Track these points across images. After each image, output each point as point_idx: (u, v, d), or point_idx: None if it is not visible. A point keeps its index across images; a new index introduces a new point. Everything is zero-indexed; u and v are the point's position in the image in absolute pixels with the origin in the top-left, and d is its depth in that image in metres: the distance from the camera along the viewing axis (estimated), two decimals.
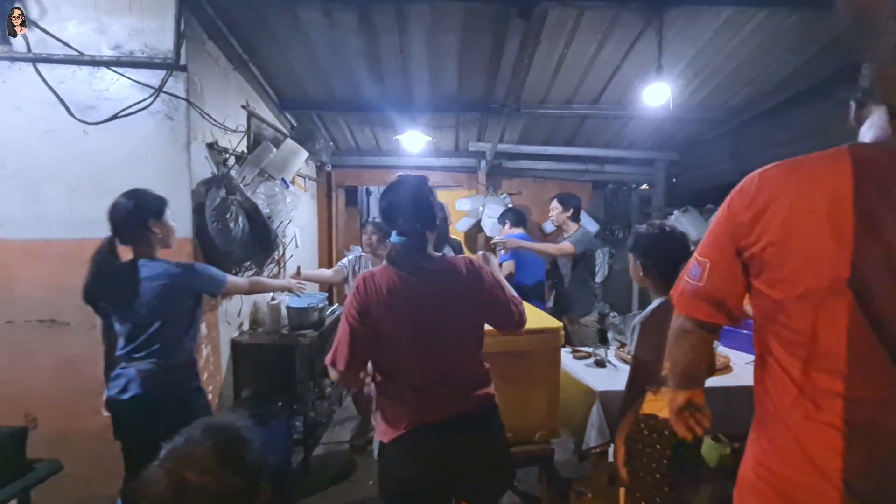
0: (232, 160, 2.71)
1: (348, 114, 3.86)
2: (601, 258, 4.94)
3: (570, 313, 3.34)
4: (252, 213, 2.59)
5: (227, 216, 2.39)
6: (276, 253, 3.17)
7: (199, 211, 2.33)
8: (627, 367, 1.63)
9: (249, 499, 0.83)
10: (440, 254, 1.43)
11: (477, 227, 4.83)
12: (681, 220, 4.13)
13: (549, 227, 4.61)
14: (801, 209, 0.76)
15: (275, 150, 2.98)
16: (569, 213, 3.36)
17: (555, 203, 3.42)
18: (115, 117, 2.24)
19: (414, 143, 4.20)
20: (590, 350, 2.63)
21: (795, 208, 0.77)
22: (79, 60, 2.21)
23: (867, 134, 0.79)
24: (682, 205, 4.33)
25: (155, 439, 1.50)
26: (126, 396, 1.68)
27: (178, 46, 2.22)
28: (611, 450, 2.09)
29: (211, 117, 2.49)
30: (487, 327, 1.45)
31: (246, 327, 2.92)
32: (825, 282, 0.74)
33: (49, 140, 2.23)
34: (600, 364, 2.43)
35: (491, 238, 4.71)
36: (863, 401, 0.74)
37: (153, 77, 2.25)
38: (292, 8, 2.45)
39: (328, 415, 3.46)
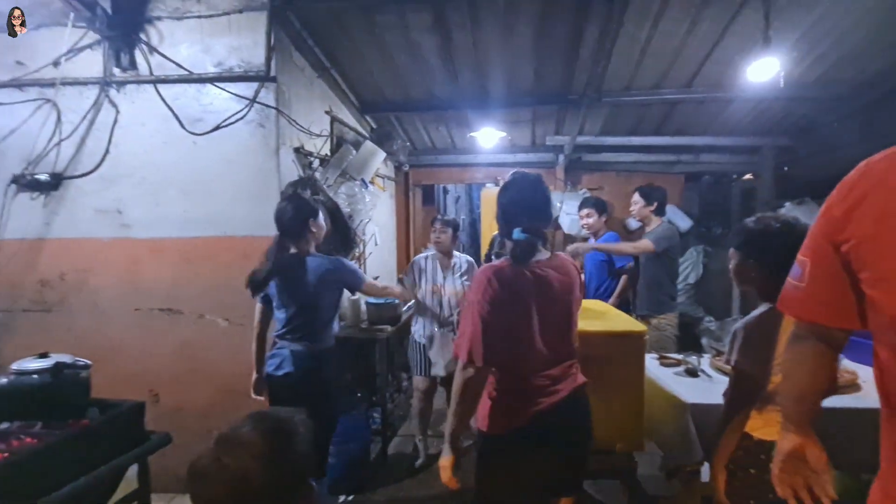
0: (316, 163, 2.89)
1: (424, 114, 3.93)
2: (694, 257, 4.52)
3: (632, 313, 3.09)
4: (334, 212, 2.73)
5: None
6: (357, 250, 3.32)
7: None
8: (724, 378, 1.45)
9: (292, 493, 0.83)
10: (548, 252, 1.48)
11: (555, 225, 4.66)
12: (795, 213, 3.61)
13: (633, 223, 4.29)
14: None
15: (354, 152, 3.12)
16: (652, 208, 3.07)
17: (636, 196, 3.15)
18: (217, 128, 2.49)
19: (489, 139, 4.16)
20: (679, 357, 2.40)
21: (892, 200, 0.65)
22: (189, 79, 2.49)
23: None
24: (797, 196, 3.79)
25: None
26: (280, 373, 1.99)
27: (268, 59, 2.41)
28: (704, 469, 1.88)
29: (297, 123, 2.67)
30: None
31: None
32: None
33: (166, 150, 2.54)
34: (692, 373, 2.21)
35: (569, 235, 4.52)
36: None
37: (248, 89, 2.47)
38: (370, 12, 2.54)
39: (405, 407, 3.55)
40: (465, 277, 2.86)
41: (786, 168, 4.31)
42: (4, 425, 1.44)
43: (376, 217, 3.84)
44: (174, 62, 2.49)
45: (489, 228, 4.74)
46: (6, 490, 1.21)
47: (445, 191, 6.91)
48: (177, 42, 2.50)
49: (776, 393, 1.29)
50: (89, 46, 2.52)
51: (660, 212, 3.12)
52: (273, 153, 2.48)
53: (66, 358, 1.52)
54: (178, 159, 2.53)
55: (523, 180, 1.50)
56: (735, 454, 1.36)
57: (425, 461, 2.85)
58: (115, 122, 2.54)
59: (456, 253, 2.93)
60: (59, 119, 2.55)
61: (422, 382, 2.87)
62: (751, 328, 1.38)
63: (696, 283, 4.65)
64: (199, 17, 2.46)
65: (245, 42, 2.45)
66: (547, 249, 1.48)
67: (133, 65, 2.51)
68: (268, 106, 2.46)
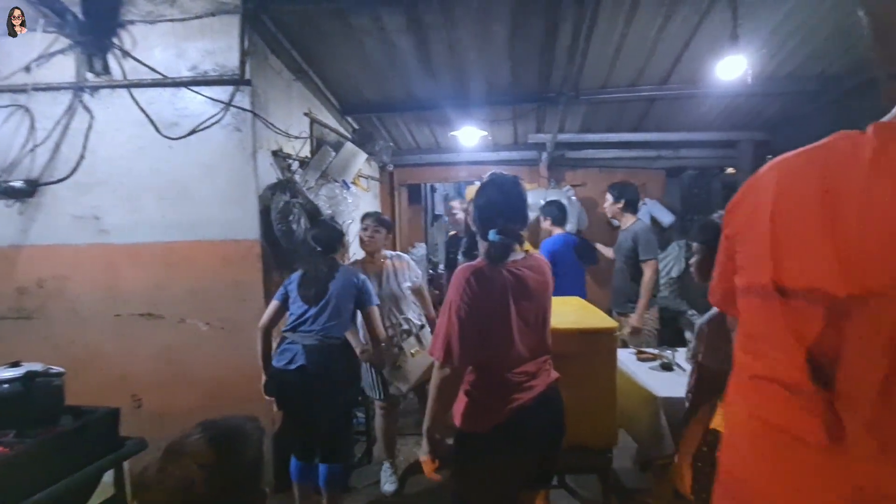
0: (296, 165, 2.89)
1: (405, 114, 3.94)
2: (676, 251, 4.58)
3: (612, 311, 3.13)
4: (314, 214, 2.74)
5: (290, 218, 2.55)
6: (340, 251, 3.33)
7: (265, 214, 2.52)
8: (689, 373, 1.48)
9: (241, 501, 0.82)
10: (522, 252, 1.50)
11: (539, 221, 4.69)
12: None
13: (616, 221, 4.34)
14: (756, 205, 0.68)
15: (335, 153, 3.13)
16: (620, 205, 3.12)
17: (608, 194, 3.21)
18: (193, 132, 2.48)
19: (470, 138, 4.18)
20: (656, 352, 2.45)
21: (758, 198, 0.68)
22: (163, 83, 2.48)
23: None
24: None
25: (310, 408, 2.04)
26: (294, 367, 2.09)
27: (242, 63, 2.41)
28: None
29: (275, 126, 2.67)
30: None
31: None
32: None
33: (142, 155, 2.53)
34: (667, 367, 2.25)
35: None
36: None
37: (223, 93, 2.46)
38: (345, 16, 2.54)
39: None
40: (403, 278, 2.63)
41: (766, 160, 4.37)
42: None
43: (359, 218, 3.84)
44: (148, 66, 2.48)
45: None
46: None
47: (433, 189, 6.92)
48: (150, 46, 2.49)
49: None
50: (61, 51, 2.50)
51: (631, 209, 3.15)
52: (250, 156, 2.48)
53: (37, 366, 1.52)
54: (155, 164, 2.53)
55: (499, 182, 1.51)
56: (699, 450, 1.39)
57: (398, 487, 2.61)
58: (90, 127, 2.53)
59: (387, 252, 2.71)
60: (32, 125, 2.53)
61: (381, 403, 2.63)
62: (716, 324, 1.41)
63: (679, 277, 4.71)
64: (172, 20, 2.45)
65: (219, 45, 2.45)
66: (523, 250, 1.51)
67: (106, 69, 2.49)
68: (244, 109, 2.46)
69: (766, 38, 2.67)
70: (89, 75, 2.50)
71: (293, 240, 2.56)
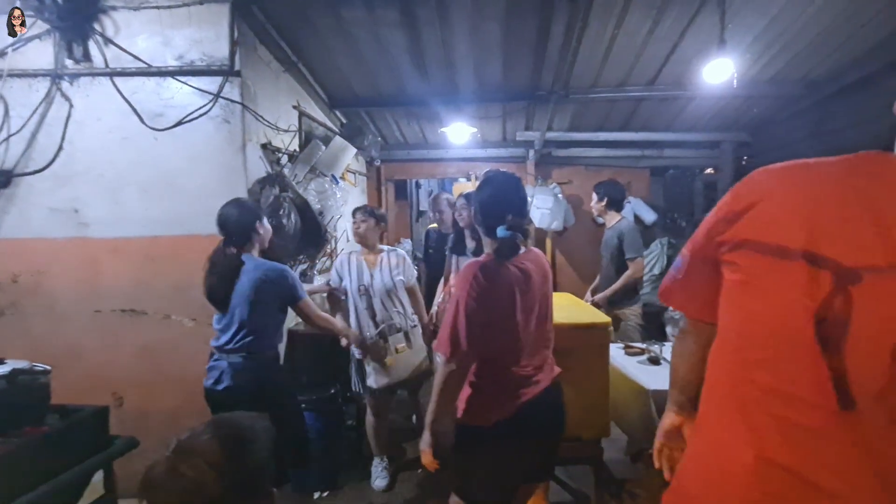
0: (284, 159, 2.84)
1: (395, 109, 3.91)
2: (659, 249, 4.68)
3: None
4: (303, 208, 2.70)
5: (280, 213, 2.51)
6: (328, 247, 3.29)
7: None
8: None
9: (250, 501, 0.81)
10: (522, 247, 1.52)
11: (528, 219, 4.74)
12: None
13: (600, 219, 4.42)
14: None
15: (324, 147, 3.09)
16: (604, 203, 3.17)
17: (593, 193, 3.26)
18: (179, 123, 2.41)
19: (459, 134, 4.18)
20: (643, 346, 2.50)
21: (773, 211, 0.69)
22: (148, 72, 2.40)
23: None
24: None
25: None
26: (220, 388, 1.86)
27: (232, 53, 2.35)
28: None
29: (264, 119, 2.62)
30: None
31: None
32: None
33: (125, 147, 2.45)
34: (654, 361, 2.31)
35: (540, 229, 4.60)
36: None
37: (211, 84, 2.40)
38: (336, 8, 2.51)
39: None
40: (397, 272, 2.58)
41: (744, 162, 4.51)
42: None
43: (347, 213, 3.81)
44: (131, 54, 2.39)
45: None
46: None
47: (418, 185, 6.91)
48: (134, 34, 2.40)
49: None
50: (38, 37, 2.39)
51: (616, 207, 3.21)
52: (239, 149, 2.43)
53: (22, 364, 1.46)
54: (138, 156, 2.45)
55: (502, 178, 1.53)
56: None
57: (389, 483, 2.59)
58: (69, 116, 2.43)
59: (384, 246, 2.68)
60: (6, 113, 2.42)
61: (369, 399, 2.60)
62: None
63: (661, 274, 4.82)
64: (158, 7, 2.37)
65: (207, 35, 2.38)
66: (525, 244, 1.53)
67: (87, 57, 2.40)
68: (233, 101, 2.40)
69: (751, 42, 2.74)
70: (68, 62, 2.40)
71: (282, 234, 2.52)
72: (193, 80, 2.40)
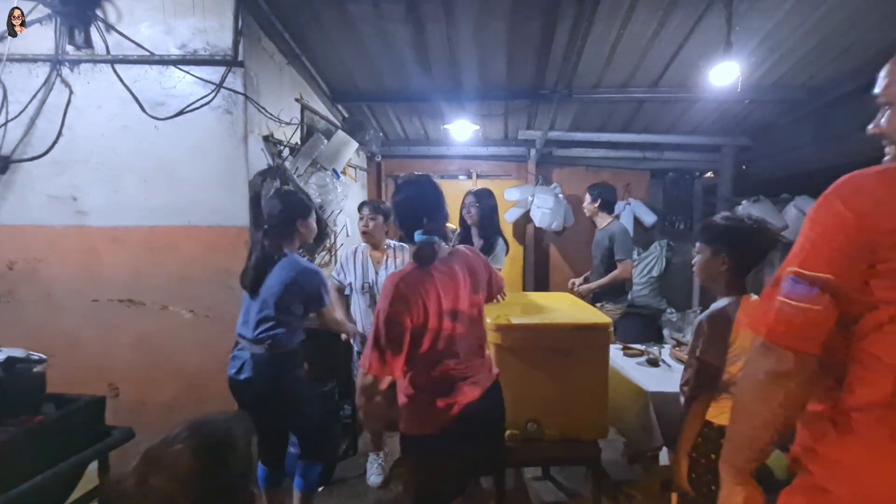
0: (286, 151, 2.82)
1: (397, 104, 3.89)
2: (658, 251, 4.69)
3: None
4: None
5: None
6: (328, 241, 3.28)
7: (255, 201, 2.45)
8: (683, 368, 1.51)
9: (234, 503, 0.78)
10: (447, 245, 1.52)
11: (526, 218, 4.74)
12: (750, 211, 3.81)
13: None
14: None
15: (326, 141, 3.07)
16: (597, 204, 3.17)
17: (586, 194, 3.26)
18: (181, 113, 2.39)
19: (462, 131, 4.17)
20: (642, 347, 2.51)
21: None
22: (150, 60, 2.38)
23: None
24: (753, 194, 3.98)
25: (267, 419, 1.78)
26: (242, 377, 1.86)
27: (236, 44, 2.33)
28: (662, 454, 1.98)
29: (266, 111, 2.60)
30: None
31: None
32: None
33: (125, 135, 2.42)
34: (653, 363, 2.31)
35: (539, 228, 4.60)
36: None
37: (214, 74, 2.38)
38: (342, 1, 2.49)
39: None
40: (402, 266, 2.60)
41: (744, 167, 4.52)
42: None
43: (347, 208, 3.79)
44: (134, 42, 2.37)
45: (457, 221, 4.76)
46: None
47: None
48: (136, 21, 2.38)
49: (730, 382, 1.37)
50: (39, 21, 2.36)
51: (608, 209, 3.20)
52: (241, 141, 2.41)
53: (18, 352, 1.45)
54: (139, 145, 2.42)
55: (415, 181, 1.55)
56: (696, 441, 1.43)
57: (385, 478, 2.59)
58: (69, 103, 2.41)
59: (390, 241, 2.62)
60: (5, 98, 2.39)
61: None
62: (715, 320, 1.41)
63: (659, 276, 4.83)
64: None
65: (211, 24, 2.36)
66: (448, 245, 1.53)
67: (88, 43, 2.37)
68: (235, 91, 2.38)
69: (755, 46, 2.74)
70: (69, 48, 2.38)
71: None
72: (196, 70, 2.38)
